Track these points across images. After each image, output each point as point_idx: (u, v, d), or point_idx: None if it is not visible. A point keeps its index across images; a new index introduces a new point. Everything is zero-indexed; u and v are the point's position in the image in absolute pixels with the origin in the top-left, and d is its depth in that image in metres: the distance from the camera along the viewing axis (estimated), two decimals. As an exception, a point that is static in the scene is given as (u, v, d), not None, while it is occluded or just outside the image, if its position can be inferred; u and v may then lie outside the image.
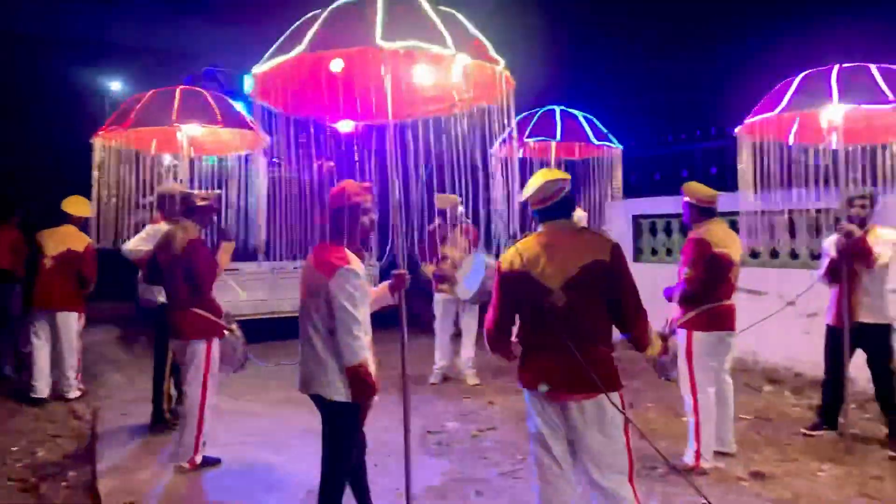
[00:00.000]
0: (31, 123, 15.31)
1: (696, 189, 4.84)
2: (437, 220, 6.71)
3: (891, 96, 4.55)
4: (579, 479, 3.12)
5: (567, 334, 2.98)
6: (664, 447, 4.96)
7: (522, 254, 3.13)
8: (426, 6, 3.37)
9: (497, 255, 3.70)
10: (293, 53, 3.21)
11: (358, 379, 3.25)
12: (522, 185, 3.60)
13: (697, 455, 4.66)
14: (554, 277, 3.03)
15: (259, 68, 3.40)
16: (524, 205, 3.35)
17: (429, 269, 6.90)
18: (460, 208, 6.86)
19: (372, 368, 3.32)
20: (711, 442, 4.71)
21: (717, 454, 4.78)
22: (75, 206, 6.62)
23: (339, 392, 3.32)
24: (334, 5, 3.36)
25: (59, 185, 11.86)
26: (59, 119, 15.98)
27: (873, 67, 4.77)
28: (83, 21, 17.66)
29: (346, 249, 3.40)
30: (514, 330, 3.32)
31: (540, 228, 3.25)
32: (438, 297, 7.32)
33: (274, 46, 3.42)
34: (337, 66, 3.33)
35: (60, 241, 6.56)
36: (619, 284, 3.05)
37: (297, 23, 3.44)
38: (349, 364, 3.24)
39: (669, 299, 4.84)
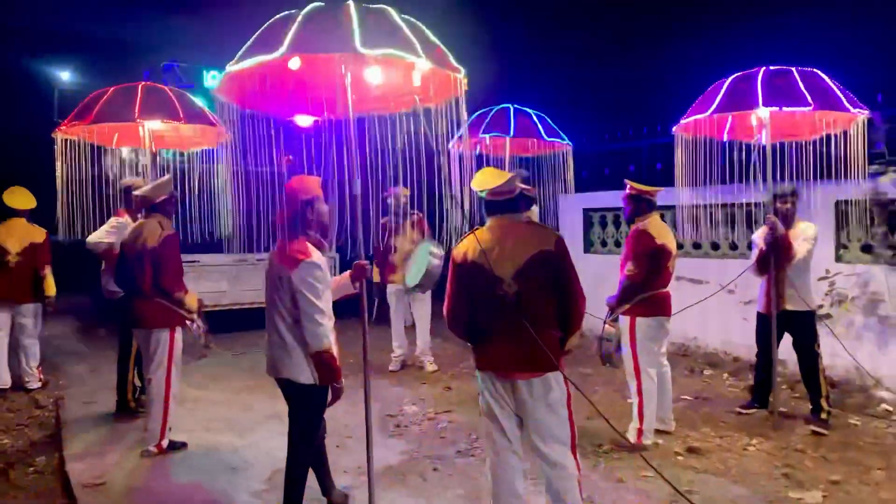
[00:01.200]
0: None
1: (639, 184, 5.16)
2: (390, 214, 6.94)
3: (810, 100, 4.94)
4: (526, 451, 3.41)
5: (516, 319, 3.24)
6: (609, 427, 5.34)
7: (474, 245, 3.37)
8: (395, 16, 3.59)
9: (446, 245, 3.96)
10: (275, 55, 3.34)
11: (322, 363, 3.49)
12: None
13: (640, 432, 5.00)
14: (504, 267, 3.29)
15: (234, 67, 3.53)
16: (475, 196, 3.58)
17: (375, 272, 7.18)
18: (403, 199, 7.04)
19: (336, 353, 3.55)
20: (653, 420, 5.06)
21: (658, 432, 5.14)
22: (19, 198, 6.63)
23: (304, 375, 3.54)
24: (308, 10, 3.51)
25: (9, 177, 11.71)
26: (6, 110, 15.65)
27: (795, 71, 5.15)
28: (32, 8, 17.27)
29: (307, 242, 3.60)
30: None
31: (489, 221, 3.49)
32: (391, 289, 7.57)
33: (247, 46, 3.54)
34: (294, 64, 3.50)
35: (20, 236, 6.57)
36: (564, 272, 3.33)
37: (269, 24, 3.58)
38: (314, 350, 3.47)
39: (616, 304, 5.07)
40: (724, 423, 5.56)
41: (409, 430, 5.51)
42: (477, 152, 7.88)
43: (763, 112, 5.12)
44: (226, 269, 9.28)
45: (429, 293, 7.43)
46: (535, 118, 7.87)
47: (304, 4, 3.68)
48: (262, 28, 3.60)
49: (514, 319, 3.26)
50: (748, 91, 5.13)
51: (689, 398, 6.29)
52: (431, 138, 4.02)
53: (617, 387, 6.46)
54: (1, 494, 4.33)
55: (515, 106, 7.92)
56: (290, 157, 4.30)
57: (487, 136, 7.63)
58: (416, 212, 7.16)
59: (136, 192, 5.10)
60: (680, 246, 8.06)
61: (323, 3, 3.56)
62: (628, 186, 5.15)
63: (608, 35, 13.55)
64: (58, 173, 5.75)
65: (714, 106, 5.24)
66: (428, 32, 3.74)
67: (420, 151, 4.05)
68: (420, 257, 6.75)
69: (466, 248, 3.42)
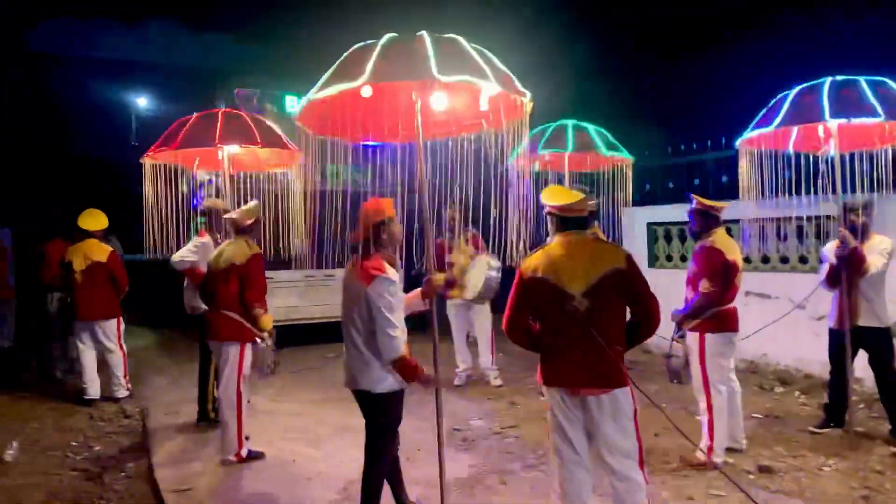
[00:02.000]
0: (68, 140, 15.86)
1: (706, 199, 5.13)
2: (445, 231, 7.13)
3: (880, 110, 4.81)
4: (594, 464, 3.46)
5: (587, 336, 3.31)
6: (679, 444, 5.31)
7: (544, 261, 3.45)
8: (465, 45, 3.75)
9: (502, 259, 4.07)
10: (357, 83, 3.53)
11: (402, 367, 3.65)
12: (537, 195, 3.98)
13: (710, 450, 4.91)
14: (575, 284, 3.36)
15: (317, 95, 3.73)
16: (546, 212, 3.67)
17: (439, 278, 7.25)
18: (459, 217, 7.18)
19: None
20: (723, 438, 4.96)
21: (728, 450, 5.05)
22: (91, 220, 7.05)
23: (380, 385, 3.71)
24: (385, 40, 3.70)
25: (95, 199, 12.41)
26: (91, 135, 16.58)
27: (863, 80, 5.03)
28: (111, 41, 18.30)
29: (382, 259, 3.77)
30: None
31: (556, 238, 3.57)
32: (450, 304, 7.66)
33: (328, 77, 3.74)
34: (367, 92, 3.68)
35: (84, 255, 6.97)
36: (639, 290, 3.40)
37: (348, 54, 3.78)
38: (390, 359, 3.63)
39: (684, 318, 5.03)
40: (797, 442, 5.44)
41: (476, 444, 5.60)
42: (536, 169, 7.97)
43: (831, 124, 5.03)
44: (296, 285, 9.59)
45: (488, 308, 7.54)
46: (593, 133, 7.90)
47: (370, 34, 3.87)
48: (343, 58, 3.80)
49: (583, 336, 3.32)
50: (814, 103, 5.03)
51: (759, 416, 6.18)
52: (492, 157, 4.15)
53: (684, 404, 6.39)
54: (97, 497, 4.63)
55: (573, 121, 7.98)
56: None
57: (546, 152, 7.70)
58: (471, 229, 7.30)
59: (226, 216, 5.40)
60: (747, 260, 7.95)
61: (398, 35, 3.74)
62: (695, 201, 5.09)
63: (669, 47, 13.47)
64: (145, 196, 6.13)
65: (778, 119, 5.17)
66: (496, 59, 3.88)
67: (480, 171, 4.19)
68: (478, 271, 6.91)
69: (536, 263, 3.48)
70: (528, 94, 3.83)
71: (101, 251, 7.04)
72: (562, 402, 3.43)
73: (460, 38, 3.80)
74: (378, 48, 3.62)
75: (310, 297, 9.73)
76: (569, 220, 3.55)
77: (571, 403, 3.40)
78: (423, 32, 3.68)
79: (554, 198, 3.57)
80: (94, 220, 7.08)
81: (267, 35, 17.26)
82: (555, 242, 3.56)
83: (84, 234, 7.05)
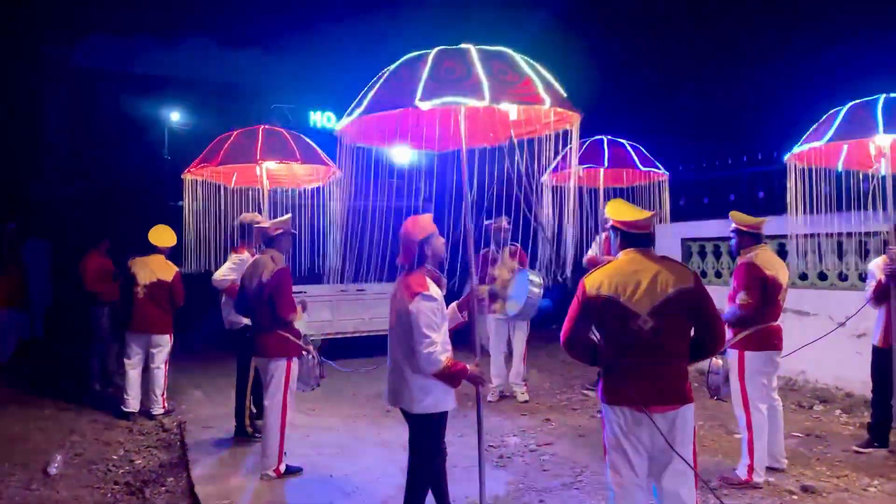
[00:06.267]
0: (108, 153, 16.19)
1: (743, 216, 5.10)
2: (491, 244, 7.14)
3: None
4: (650, 487, 3.40)
5: (652, 354, 3.28)
6: (717, 462, 5.26)
7: (609, 278, 3.39)
8: (517, 59, 3.76)
9: (545, 274, 4.05)
10: (410, 104, 3.59)
11: (446, 376, 3.67)
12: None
13: (750, 469, 4.85)
14: (641, 303, 3.30)
15: (366, 113, 3.78)
16: (610, 226, 3.65)
17: (483, 289, 7.25)
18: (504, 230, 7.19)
19: (451, 361, 3.68)
20: (764, 457, 4.90)
21: (769, 469, 4.98)
22: (161, 236, 7.14)
23: (419, 405, 3.71)
24: (434, 55, 3.73)
25: (133, 211, 12.64)
26: (129, 148, 16.92)
27: None
28: (147, 57, 18.70)
29: (425, 276, 3.80)
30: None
31: (621, 254, 3.53)
32: (490, 318, 7.64)
33: (375, 91, 3.78)
34: (425, 107, 3.68)
35: (151, 271, 7.06)
36: (706, 310, 3.36)
37: (397, 68, 3.83)
38: (434, 372, 3.64)
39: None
40: (839, 462, 5.35)
41: (512, 461, 5.58)
42: (569, 184, 7.96)
43: (883, 140, 4.96)
44: (329, 299, 9.65)
45: (527, 323, 7.52)
46: (629, 148, 7.90)
47: (399, 51, 3.90)
48: (391, 73, 3.83)
49: (649, 354, 3.29)
50: (867, 118, 4.99)
51: (800, 435, 6.08)
52: (527, 172, 4.15)
53: (722, 421, 6.32)
54: (140, 511, 4.70)
55: (609, 137, 7.98)
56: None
57: (581, 167, 7.69)
58: (514, 243, 7.30)
59: (256, 225, 5.47)
60: (803, 276, 7.83)
61: (447, 47, 3.76)
62: (732, 221, 5.11)
63: (704, 63, 13.40)
64: (185, 211, 6.23)
65: (830, 133, 5.11)
66: (519, 62, 3.84)
67: (521, 183, 4.19)
68: (519, 286, 6.88)
69: (601, 280, 3.41)
70: (548, 100, 3.73)
71: (167, 269, 7.11)
72: (624, 420, 3.35)
73: (508, 51, 3.82)
74: (428, 65, 3.65)
75: (342, 312, 9.78)
76: (635, 237, 3.50)
77: (635, 422, 3.33)
78: (471, 46, 3.70)
79: (620, 213, 3.52)
80: (164, 236, 7.16)
81: (297, 51, 17.53)
82: (620, 259, 3.51)
83: (153, 250, 7.13)
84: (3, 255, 9.39)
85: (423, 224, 3.85)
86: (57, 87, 14.92)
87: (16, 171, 14.00)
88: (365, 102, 3.78)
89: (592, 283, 3.42)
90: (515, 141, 4.16)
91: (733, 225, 5.09)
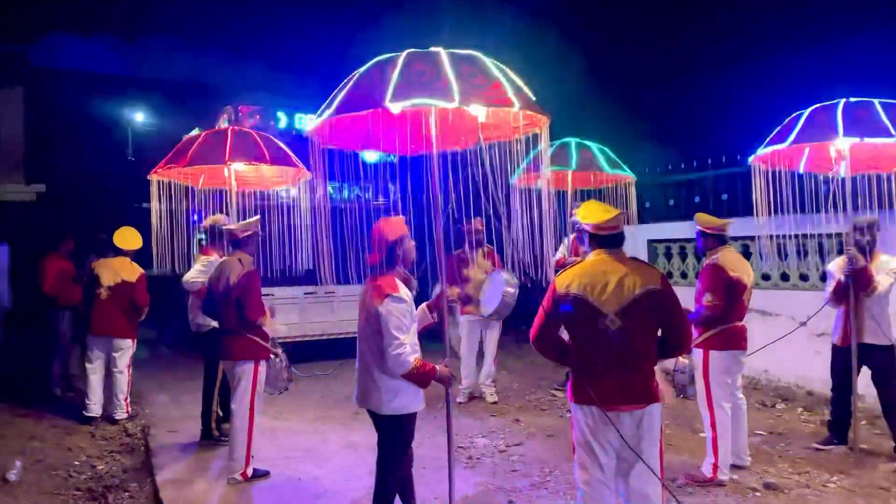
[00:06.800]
0: (68, 154, 15.87)
1: (707, 219, 5.19)
2: (465, 245, 7.18)
3: (893, 131, 4.87)
4: (618, 485, 3.44)
5: (620, 353, 3.32)
6: (683, 461, 5.33)
7: (578, 278, 3.43)
8: (486, 62, 3.79)
9: (518, 275, 4.07)
10: (379, 106, 3.58)
11: (415, 377, 3.67)
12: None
13: (715, 467, 4.92)
14: (609, 303, 3.35)
15: (335, 115, 3.77)
16: (578, 227, 3.70)
17: (454, 291, 7.27)
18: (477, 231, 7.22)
19: (420, 362, 3.67)
20: (728, 455, 4.98)
21: (733, 467, 5.06)
22: (126, 239, 7.01)
23: (388, 406, 3.71)
24: (404, 57, 3.73)
25: (95, 213, 12.38)
26: (90, 149, 16.60)
27: (877, 103, 5.11)
28: (110, 57, 18.39)
29: (395, 278, 3.79)
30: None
31: (591, 255, 3.57)
32: (464, 319, 7.64)
33: (345, 93, 3.77)
34: (395, 109, 3.69)
35: (115, 272, 6.94)
36: (673, 310, 3.41)
37: (367, 70, 3.82)
38: (403, 373, 3.63)
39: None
40: (801, 459, 5.47)
41: (481, 461, 5.59)
42: (538, 186, 8.02)
43: (843, 143, 5.08)
44: (296, 301, 9.56)
45: (499, 324, 7.56)
46: (596, 151, 7.98)
47: (369, 52, 3.88)
48: (361, 75, 3.82)
49: (617, 353, 3.33)
50: (828, 122, 5.10)
51: (763, 433, 6.20)
52: (494, 175, 4.17)
53: (686, 420, 6.42)
54: (102, 518, 4.60)
55: (577, 140, 8.05)
56: (381, 200, 4.49)
57: (549, 170, 7.75)
58: (487, 244, 7.33)
59: (224, 227, 5.41)
60: (766, 277, 7.98)
61: (417, 50, 3.76)
62: (697, 223, 5.19)
63: (669, 67, 13.62)
64: (153, 212, 6.13)
65: (793, 136, 5.22)
66: (489, 65, 3.86)
67: (494, 185, 4.20)
68: (494, 286, 6.92)
69: (570, 279, 3.46)
70: (517, 103, 3.75)
71: (132, 271, 7.01)
72: (593, 420, 3.38)
73: (478, 55, 3.83)
74: (399, 67, 3.65)
75: (309, 315, 9.70)
76: (604, 238, 3.54)
77: (603, 421, 3.36)
78: (440, 50, 3.71)
79: (590, 215, 3.56)
80: (129, 238, 7.04)
81: (262, 51, 17.41)
82: (590, 259, 3.55)
83: (118, 252, 7.01)
84: None
85: (395, 225, 3.85)
86: (14, 87, 14.56)
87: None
88: (335, 104, 3.76)
89: (562, 281, 3.47)
90: (485, 144, 4.17)
91: (698, 227, 5.17)
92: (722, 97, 12.43)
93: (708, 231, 5.12)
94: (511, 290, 6.67)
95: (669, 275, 9.50)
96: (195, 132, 6.95)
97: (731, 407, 5.05)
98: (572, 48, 12.98)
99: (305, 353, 9.43)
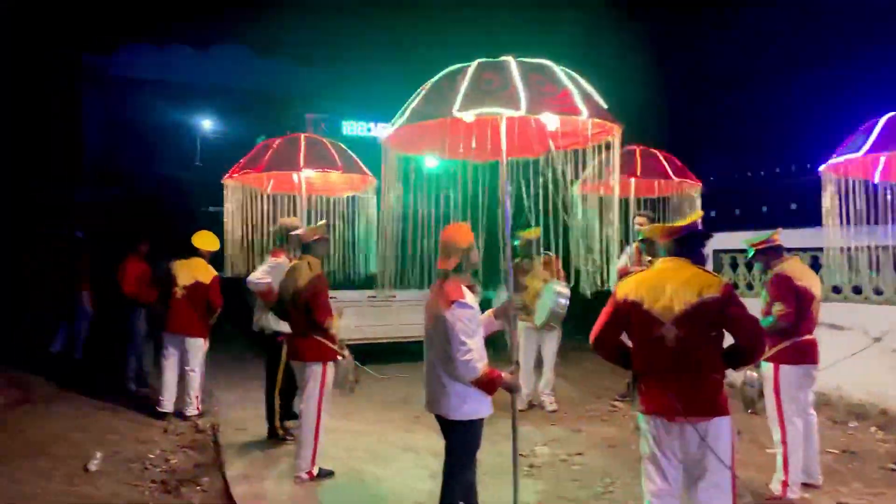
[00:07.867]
0: (142, 159, 16.52)
1: (753, 238, 5.11)
2: (520, 254, 7.19)
3: None
4: (684, 499, 3.40)
5: (679, 362, 3.30)
6: (751, 477, 5.20)
7: (638, 285, 3.46)
8: (556, 71, 3.82)
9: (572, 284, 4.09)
10: (449, 115, 3.67)
11: (483, 384, 3.70)
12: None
13: (785, 485, 4.81)
14: (665, 312, 3.35)
15: (406, 122, 3.87)
16: (642, 239, 3.71)
17: (520, 299, 7.29)
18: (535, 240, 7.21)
19: (487, 370, 3.71)
20: (799, 473, 4.86)
21: (804, 486, 4.93)
22: (204, 241, 7.26)
23: (457, 412, 3.76)
24: (474, 67, 3.80)
25: (166, 216, 12.85)
26: (162, 154, 17.27)
27: None
28: (182, 66, 19.11)
29: (461, 285, 3.84)
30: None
31: (657, 262, 3.58)
32: (521, 326, 7.64)
33: (418, 102, 3.88)
34: (469, 118, 3.79)
35: (190, 273, 7.19)
36: (737, 317, 3.34)
37: (438, 80, 3.92)
38: (472, 380, 3.68)
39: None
40: (876, 479, 5.28)
41: (542, 470, 5.58)
42: (601, 194, 7.97)
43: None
44: (358, 304, 9.71)
45: (558, 332, 7.53)
46: (662, 158, 7.88)
47: (432, 62, 3.96)
48: (433, 84, 3.90)
49: (676, 362, 3.31)
50: None
51: (835, 451, 6.00)
52: (559, 183, 4.19)
53: (754, 435, 6.26)
54: (177, 510, 4.79)
55: (641, 147, 7.97)
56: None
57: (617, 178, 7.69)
58: (548, 252, 7.31)
59: (293, 232, 5.57)
60: (837, 289, 7.73)
61: (487, 59, 3.83)
62: (746, 246, 5.13)
63: (737, 75, 13.32)
64: (226, 215, 6.35)
65: (868, 145, 5.08)
66: (558, 73, 3.89)
67: (557, 194, 4.22)
68: (546, 297, 6.90)
69: (630, 287, 3.48)
70: (585, 111, 3.77)
71: (206, 272, 7.23)
72: (658, 430, 3.37)
73: (549, 63, 3.87)
74: (469, 76, 3.72)
75: (369, 318, 9.84)
76: (673, 244, 3.55)
77: (668, 432, 3.34)
78: (510, 58, 3.76)
79: (656, 228, 3.61)
80: (208, 240, 7.28)
81: (330, 60, 17.78)
82: (656, 267, 3.58)
83: (195, 253, 7.26)
84: (80, 262, 9.62)
85: (465, 232, 3.91)
86: (96, 95, 15.31)
87: (59, 177, 14.34)
88: (407, 113, 3.87)
89: (623, 289, 3.52)
90: (555, 153, 4.20)
91: (752, 251, 5.09)
92: (793, 105, 12.11)
93: (760, 248, 5.03)
94: (562, 300, 6.65)
95: (735, 286, 9.28)
96: (262, 139, 7.18)
97: (803, 423, 4.92)
98: (641, 56, 12.85)
99: (368, 356, 9.58)
